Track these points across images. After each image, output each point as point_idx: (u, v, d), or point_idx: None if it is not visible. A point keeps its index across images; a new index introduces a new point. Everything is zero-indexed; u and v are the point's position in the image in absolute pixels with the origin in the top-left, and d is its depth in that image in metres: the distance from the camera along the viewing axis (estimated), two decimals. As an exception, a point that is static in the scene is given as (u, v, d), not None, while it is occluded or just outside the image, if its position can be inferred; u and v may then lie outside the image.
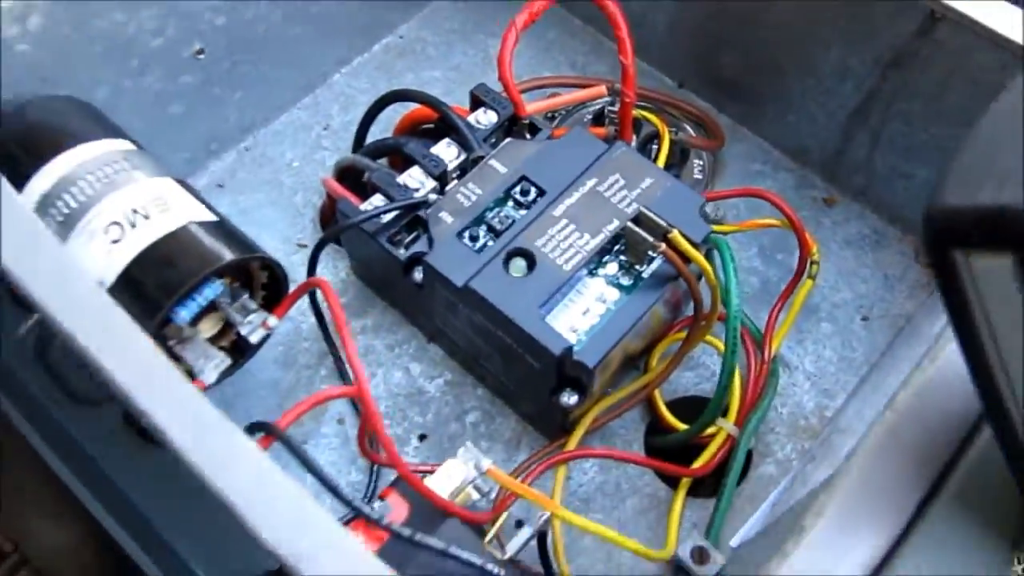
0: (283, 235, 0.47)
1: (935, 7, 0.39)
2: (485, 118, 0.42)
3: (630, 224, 0.37)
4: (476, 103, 0.43)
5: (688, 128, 0.50)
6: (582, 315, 0.36)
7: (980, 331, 0.22)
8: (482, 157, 0.41)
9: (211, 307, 0.35)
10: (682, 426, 0.40)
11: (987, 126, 0.23)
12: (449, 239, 0.38)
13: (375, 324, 0.44)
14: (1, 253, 0.30)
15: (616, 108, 0.49)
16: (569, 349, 0.35)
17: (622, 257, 0.38)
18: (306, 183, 0.49)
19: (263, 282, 0.37)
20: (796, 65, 0.47)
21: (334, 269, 0.46)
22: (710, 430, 0.39)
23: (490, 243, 0.38)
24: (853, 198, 0.49)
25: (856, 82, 0.44)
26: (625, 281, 0.37)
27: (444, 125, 0.42)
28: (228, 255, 0.33)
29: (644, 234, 0.36)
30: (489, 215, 0.38)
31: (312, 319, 0.43)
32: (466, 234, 0.38)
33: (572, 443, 0.38)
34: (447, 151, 0.41)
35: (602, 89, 0.46)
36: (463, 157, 0.41)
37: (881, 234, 0.48)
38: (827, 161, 0.49)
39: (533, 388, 0.38)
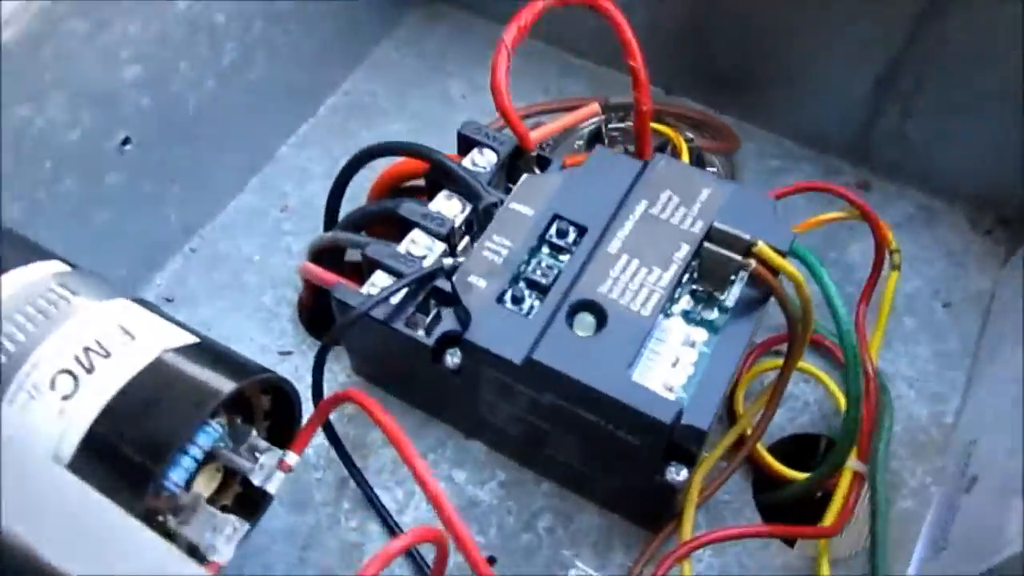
0: (259, 344, 0.39)
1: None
2: (483, 159, 0.35)
3: (707, 244, 0.30)
4: (467, 144, 0.36)
5: (692, 135, 0.45)
6: (672, 367, 0.29)
7: None
8: (494, 204, 0.34)
9: (207, 457, 0.26)
10: (798, 475, 0.34)
11: None
12: (488, 308, 0.30)
13: (397, 430, 0.36)
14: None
15: (614, 125, 0.43)
16: (679, 413, 0.27)
17: (694, 287, 0.31)
18: (274, 278, 0.40)
19: (266, 409, 0.29)
20: (805, 47, 0.41)
21: (330, 373, 0.38)
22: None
23: (538, 303, 0.30)
24: (888, 177, 0.44)
25: (882, 49, 0.39)
26: (709, 315, 0.31)
27: (438, 177, 0.35)
28: (226, 385, 0.24)
29: (726, 253, 0.30)
30: (527, 269, 0.31)
31: (320, 439, 0.35)
32: (507, 297, 0.30)
33: (687, 528, 0.31)
34: (448, 205, 0.34)
35: (595, 107, 0.39)
36: (468, 209, 0.34)
37: (929, 209, 0.43)
38: (852, 142, 0.43)
39: (627, 470, 0.30)
